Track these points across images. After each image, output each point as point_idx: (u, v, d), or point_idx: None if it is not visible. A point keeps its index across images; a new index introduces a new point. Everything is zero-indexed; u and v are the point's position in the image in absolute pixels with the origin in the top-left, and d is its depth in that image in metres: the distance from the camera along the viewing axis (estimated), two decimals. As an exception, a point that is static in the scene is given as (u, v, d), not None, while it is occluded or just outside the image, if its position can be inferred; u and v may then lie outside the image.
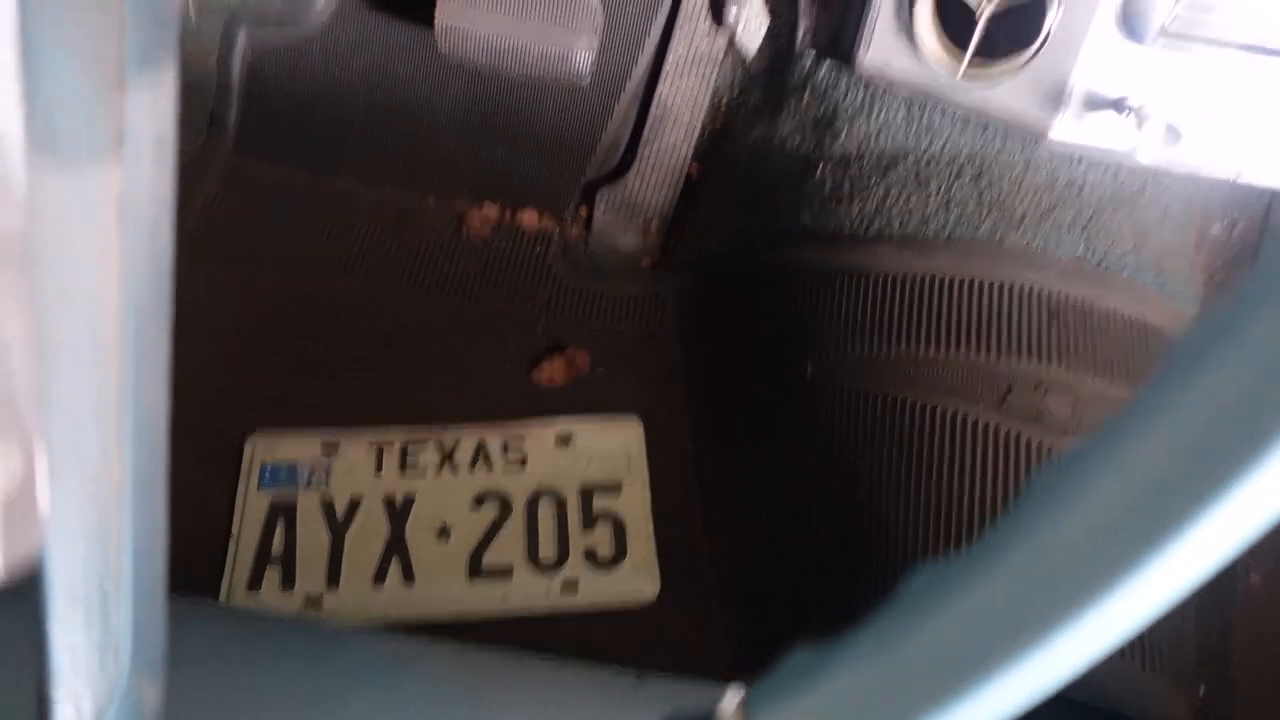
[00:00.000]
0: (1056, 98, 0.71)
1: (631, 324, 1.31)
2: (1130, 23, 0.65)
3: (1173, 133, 0.64)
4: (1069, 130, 0.70)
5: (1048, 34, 0.69)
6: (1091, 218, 1.16)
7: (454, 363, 1.27)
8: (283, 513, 1.11)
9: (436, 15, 1.14)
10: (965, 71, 0.73)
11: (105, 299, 0.29)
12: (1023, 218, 1.13)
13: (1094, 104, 0.69)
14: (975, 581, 0.23)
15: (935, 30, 0.74)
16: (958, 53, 0.74)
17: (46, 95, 0.28)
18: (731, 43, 1.36)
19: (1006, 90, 0.73)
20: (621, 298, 1.34)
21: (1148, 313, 1.13)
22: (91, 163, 0.28)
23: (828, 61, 1.08)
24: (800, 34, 0.99)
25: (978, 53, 0.72)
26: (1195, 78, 0.68)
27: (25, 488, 0.28)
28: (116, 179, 0.29)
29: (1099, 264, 1.14)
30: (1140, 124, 0.64)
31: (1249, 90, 0.67)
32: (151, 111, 0.30)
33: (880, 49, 0.76)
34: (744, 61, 1.37)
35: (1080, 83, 0.70)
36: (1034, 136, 0.73)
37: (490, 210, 1.41)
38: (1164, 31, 0.65)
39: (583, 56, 1.19)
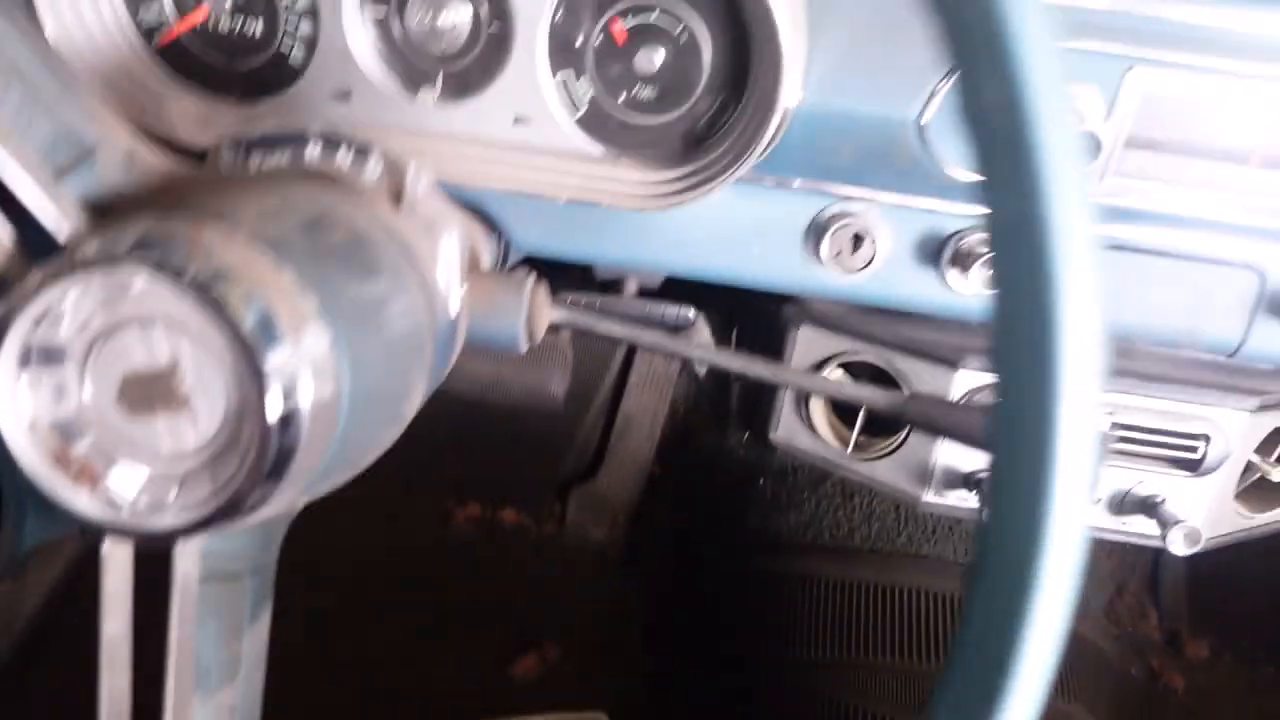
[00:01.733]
0: (923, 474, 0.90)
1: (600, 619, 1.44)
2: (970, 426, 0.85)
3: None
4: (935, 499, 0.89)
5: (910, 427, 0.90)
6: (994, 526, 1.34)
7: (435, 657, 1.39)
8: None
9: (433, 359, 1.35)
10: (851, 452, 0.93)
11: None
12: (934, 529, 1.31)
13: (950, 480, 0.89)
14: None
15: (827, 419, 0.95)
16: (845, 437, 0.94)
17: (198, 648, 0.44)
18: (684, 366, 1.59)
19: (886, 466, 0.92)
20: (591, 593, 1.48)
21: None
22: (220, 690, 0.45)
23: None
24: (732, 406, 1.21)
25: (860, 439, 0.93)
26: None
27: None
28: (231, 696, 0.45)
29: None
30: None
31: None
32: (252, 644, 0.47)
33: (786, 429, 0.96)
34: (697, 380, 1.59)
35: (939, 463, 0.89)
36: (910, 502, 0.92)
37: (473, 509, 1.58)
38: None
39: (557, 387, 1.40)
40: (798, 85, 0.68)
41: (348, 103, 0.75)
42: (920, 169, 0.73)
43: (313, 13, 0.72)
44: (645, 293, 1.14)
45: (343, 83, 0.74)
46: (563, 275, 1.12)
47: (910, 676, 1.17)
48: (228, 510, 0.38)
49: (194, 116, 0.74)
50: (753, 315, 1.10)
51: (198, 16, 0.73)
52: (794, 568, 1.30)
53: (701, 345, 0.63)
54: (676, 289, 1.18)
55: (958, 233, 0.79)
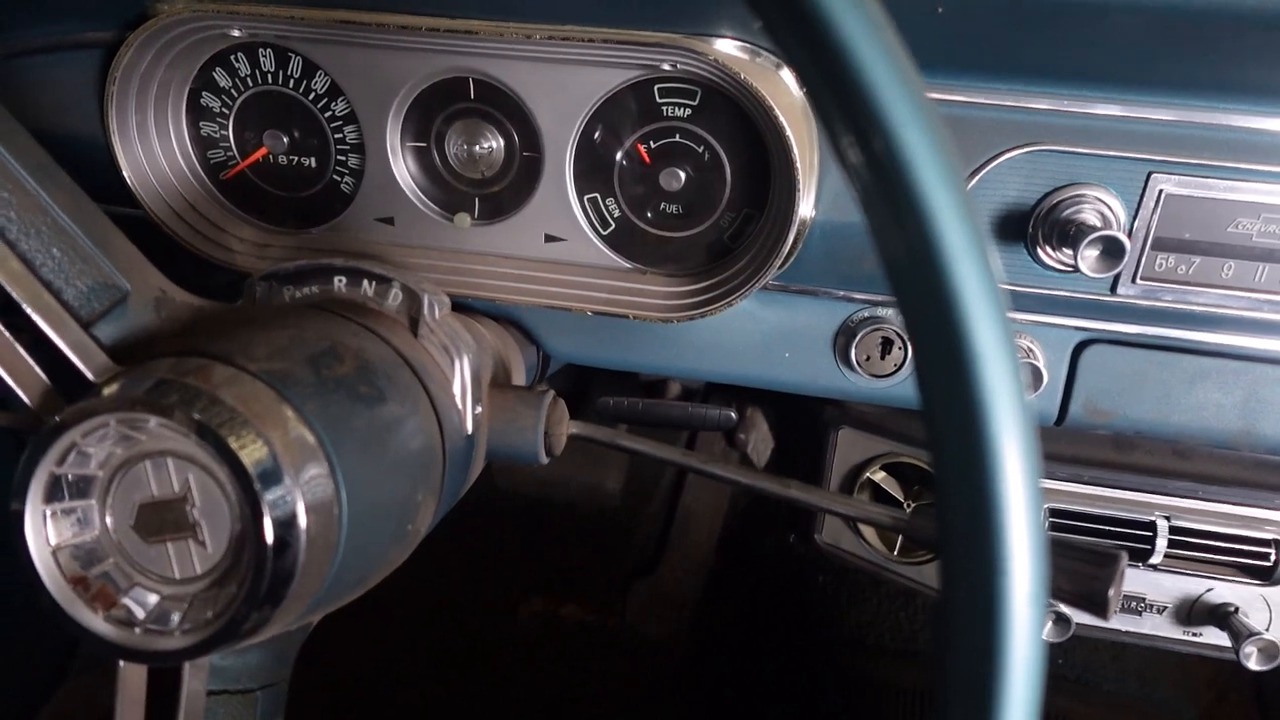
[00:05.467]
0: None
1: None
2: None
3: (1062, 621, 0.79)
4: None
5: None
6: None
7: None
8: None
9: (493, 457, 1.39)
10: (897, 555, 0.91)
11: None
12: (1001, 633, 1.25)
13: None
14: None
15: (872, 521, 0.94)
16: (891, 540, 0.92)
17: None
18: (743, 459, 1.59)
19: (933, 570, 0.90)
20: (652, 692, 1.46)
21: (1132, 725, 1.19)
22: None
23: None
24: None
25: (905, 543, 0.91)
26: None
27: None
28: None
29: (1078, 677, 1.24)
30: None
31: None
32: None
33: (831, 532, 0.95)
34: (756, 474, 1.59)
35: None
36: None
37: (537, 604, 1.58)
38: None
39: (613, 484, 1.42)
40: (813, 197, 0.70)
41: (392, 227, 0.80)
42: (944, 275, 0.73)
43: (361, 147, 0.78)
44: (690, 392, 1.15)
45: (387, 209, 0.79)
46: (609, 377, 1.15)
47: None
48: (228, 632, 0.41)
49: (253, 244, 0.81)
50: (799, 414, 1.10)
51: (258, 155, 0.79)
52: (855, 671, 1.26)
53: (711, 462, 0.64)
54: (721, 387, 1.19)
55: (989, 335, 0.78)
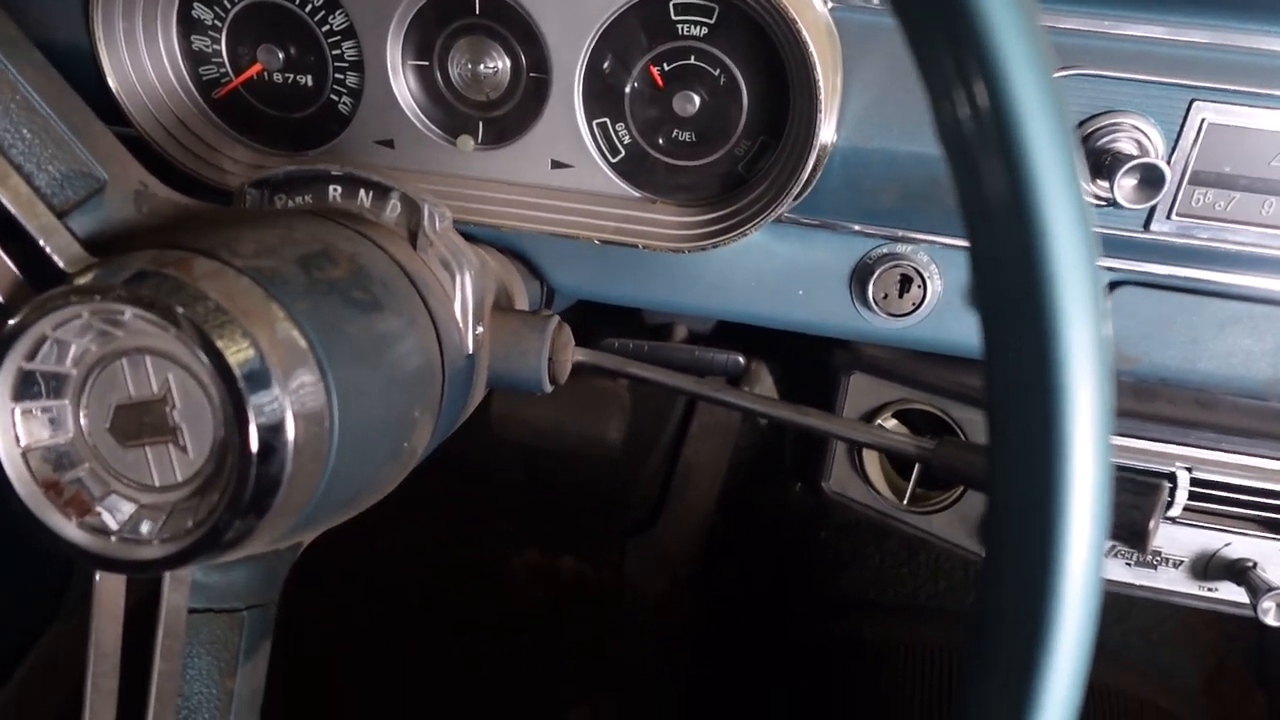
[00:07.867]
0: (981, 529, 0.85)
1: (655, 676, 1.41)
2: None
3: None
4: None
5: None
6: (1074, 589, 1.25)
7: (489, 705, 1.37)
8: None
9: (491, 404, 1.36)
10: (907, 505, 0.89)
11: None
12: (1007, 591, 1.24)
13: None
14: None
15: (882, 470, 0.91)
16: (902, 488, 0.90)
17: (188, 683, 0.44)
18: (746, 413, 1.56)
19: (943, 520, 0.88)
20: (647, 648, 1.45)
21: (1134, 685, 1.18)
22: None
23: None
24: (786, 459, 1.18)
25: (918, 490, 0.88)
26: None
27: None
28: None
29: (1083, 636, 1.22)
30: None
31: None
32: (247, 681, 0.46)
33: (839, 479, 0.92)
34: (759, 428, 1.56)
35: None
36: (971, 559, 0.87)
37: (532, 555, 1.57)
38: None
39: (615, 434, 1.39)
40: (834, 123, 0.67)
41: (391, 150, 0.76)
42: (968, 209, 0.70)
43: (359, 65, 0.74)
44: (696, 338, 1.12)
45: (387, 131, 0.76)
46: (613, 321, 1.12)
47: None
48: (209, 541, 0.38)
49: (246, 165, 0.77)
50: (806, 362, 1.07)
51: (253, 71, 0.76)
52: (855, 630, 1.25)
53: (725, 389, 0.61)
54: (729, 333, 1.16)
55: (1012, 275, 0.75)
